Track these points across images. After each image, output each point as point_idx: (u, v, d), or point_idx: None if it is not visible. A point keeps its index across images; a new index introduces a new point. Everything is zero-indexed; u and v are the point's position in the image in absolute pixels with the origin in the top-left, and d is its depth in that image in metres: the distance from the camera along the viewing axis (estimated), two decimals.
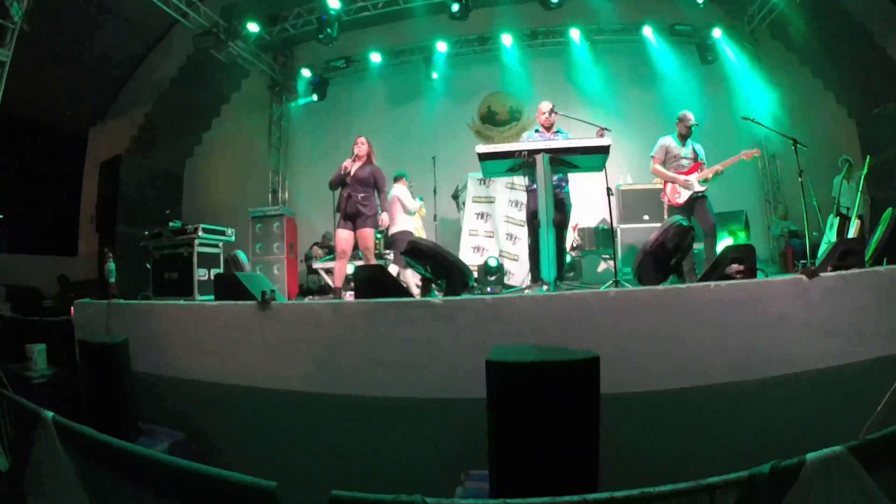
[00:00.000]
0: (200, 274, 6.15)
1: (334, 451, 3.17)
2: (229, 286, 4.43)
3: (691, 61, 10.67)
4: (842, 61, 9.32)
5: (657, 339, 2.92)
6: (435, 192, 8.96)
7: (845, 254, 3.90)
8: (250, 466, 1.72)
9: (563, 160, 4.50)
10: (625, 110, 10.18)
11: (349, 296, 5.97)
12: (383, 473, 2.74)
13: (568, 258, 7.88)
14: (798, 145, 5.63)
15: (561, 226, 5.25)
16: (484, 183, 8.94)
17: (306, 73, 11.97)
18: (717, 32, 10.36)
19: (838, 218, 7.58)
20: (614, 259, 5.48)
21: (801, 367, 3.03)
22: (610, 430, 2.29)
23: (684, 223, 4.10)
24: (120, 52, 11.44)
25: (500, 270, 8.25)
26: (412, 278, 7.10)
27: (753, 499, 1.54)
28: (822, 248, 6.93)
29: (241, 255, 6.55)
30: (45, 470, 2.49)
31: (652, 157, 6.10)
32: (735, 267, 3.69)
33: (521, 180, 4.99)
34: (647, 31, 10.50)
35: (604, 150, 4.38)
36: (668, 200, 5.99)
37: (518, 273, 8.30)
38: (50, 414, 2.42)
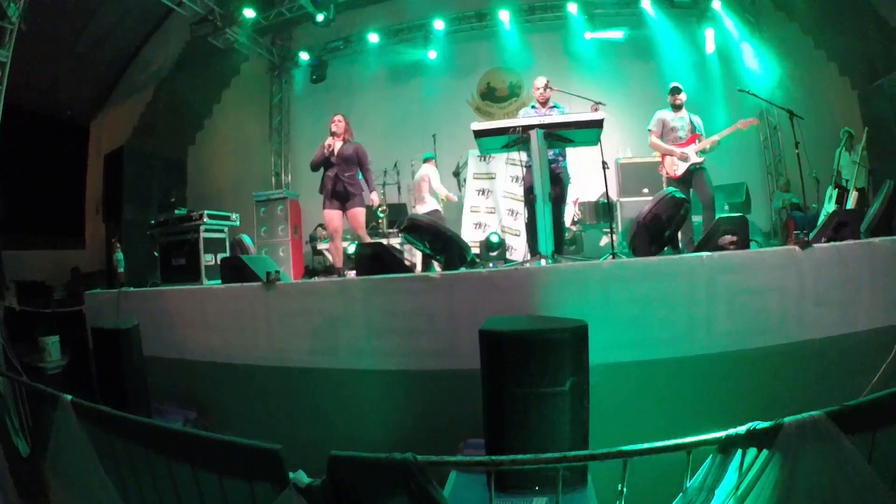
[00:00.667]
0: (207, 259, 6.23)
1: (336, 424, 3.28)
2: (235, 269, 4.52)
3: (691, 33, 10.55)
4: (844, 32, 9.15)
5: (649, 309, 2.99)
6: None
7: (840, 225, 3.90)
8: (258, 439, 1.81)
9: (558, 135, 4.52)
10: (624, 84, 10.10)
11: (352, 274, 6.07)
12: (384, 446, 2.84)
13: (568, 233, 7.95)
14: (794, 117, 5.62)
15: (558, 200, 5.29)
16: (484, 159, 8.96)
17: (305, 55, 11.92)
18: (716, 3, 10.19)
19: (837, 190, 7.57)
20: (611, 232, 5.52)
21: (793, 337, 3.08)
22: (602, 397, 2.37)
23: (678, 194, 4.14)
24: (117, 43, 11.41)
25: (501, 246, 8.32)
26: None
27: (730, 459, 1.60)
28: (821, 220, 6.94)
29: (246, 239, 6.63)
30: (65, 451, 2.59)
31: (649, 130, 6.12)
32: (728, 238, 3.73)
33: (521, 156, 5.01)
34: (646, 3, 10.36)
35: (598, 125, 4.40)
36: (666, 173, 6.01)
37: (520, 248, 8.35)
38: (68, 396, 2.52)
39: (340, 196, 5.94)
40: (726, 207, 8.45)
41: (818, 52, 9.72)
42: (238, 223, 7.00)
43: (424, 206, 8.22)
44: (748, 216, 4.80)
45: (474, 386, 2.24)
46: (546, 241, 4.26)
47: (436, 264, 4.74)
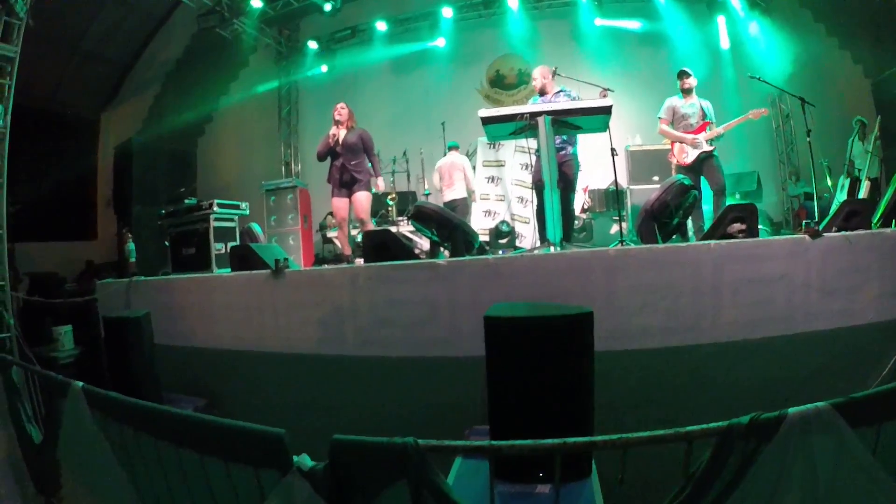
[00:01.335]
0: (217, 248, 6.25)
1: (341, 411, 3.30)
2: (244, 257, 4.55)
3: (702, 20, 10.41)
4: (857, 19, 9.00)
5: (654, 297, 2.98)
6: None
7: (851, 215, 3.87)
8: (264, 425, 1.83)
9: (566, 122, 4.49)
10: (634, 70, 10.00)
11: (360, 262, 6.10)
12: (391, 433, 2.86)
13: (577, 221, 7.92)
14: (806, 105, 5.55)
15: (566, 187, 5.27)
16: (493, 147, 8.95)
17: (313, 45, 11.91)
18: None
19: (849, 179, 7.47)
20: (619, 220, 5.49)
21: (800, 328, 3.05)
22: (606, 385, 2.37)
23: (686, 182, 4.11)
24: (123, 37, 11.44)
25: (511, 233, 8.31)
26: None
27: (732, 449, 1.57)
28: (833, 210, 6.87)
29: (256, 228, 6.68)
30: (76, 437, 2.62)
31: (659, 118, 6.07)
32: (737, 226, 3.69)
33: (530, 143, 4.98)
34: None
35: (605, 111, 4.36)
36: (676, 160, 5.97)
37: (529, 235, 8.36)
38: (79, 384, 2.56)
39: (347, 185, 5.93)
40: (737, 196, 8.39)
41: (831, 40, 9.56)
42: (248, 212, 7.02)
43: (453, 192, 8.22)
44: (759, 204, 4.75)
45: (480, 373, 2.25)
46: (554, 229, 4.25)
47: (444, 251, 4.75)
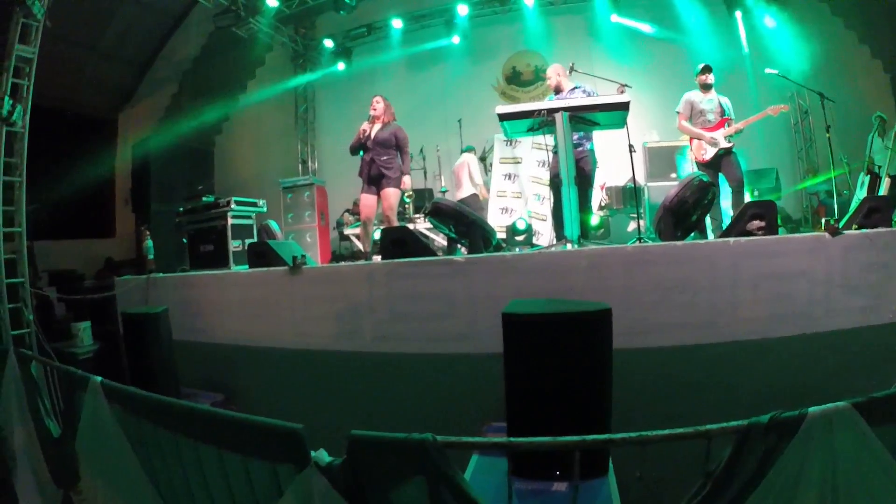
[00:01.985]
0: (235, 245, 6.30)
1: (357, 406, 3.31)
2: (262, 254, 4.58)
3: (719, 15, 10.28)
4: (876, 13, 8.83)
5: (673, 294, 2.95)
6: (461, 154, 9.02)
7: (871, 211, 3.80)
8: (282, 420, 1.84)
9: (583, 118, 4.46)
10: (651, 66, 9.92)
11: (378, 259, 6.09)
12: (408, 429, 2.87)
13: (597, 219, 7.87)
14: (825, 100, 5.47)
15: (583, 184, 5.23)
16: (510, 144, 8.92)
17: (329, 43, 11.93)
18: None
19: (869, 176, 7.35)
20: (637, 217, 5.45)
21: (820, 327, 3.00)
22: (623, 382, 2.35)
23: (704, 178, 4.07)
24: (140, 36, 11.55)
25: (528, 231, 8.27)
26: None
27: (752, 448, 1.57)
28: (852, 207, 6.76)
29: (273, 225, 6.71)
30: (94, 432, 2.66)
31: (677, 113, 6.02)
32: (756, 224, 3.64)
33: (547, 140, 4.95)
34: None
35: (623, 107, 4.32)
36: (695, 157, 5.91)
37: (546, 233, 8.30)
38: (98, 379, 2.59)
39: (375, 180, 5.83)
40: (756, 193, 8.28)
41: (849, 34, 9.39)
42: (265, 209, 7.06)
43: (462, 192, 8.54)
44: (777, 201, 4.69)
45: (497, 369, 2.25)
46: (572, 226, 4.21)
47: (462, 248, 4.74)
